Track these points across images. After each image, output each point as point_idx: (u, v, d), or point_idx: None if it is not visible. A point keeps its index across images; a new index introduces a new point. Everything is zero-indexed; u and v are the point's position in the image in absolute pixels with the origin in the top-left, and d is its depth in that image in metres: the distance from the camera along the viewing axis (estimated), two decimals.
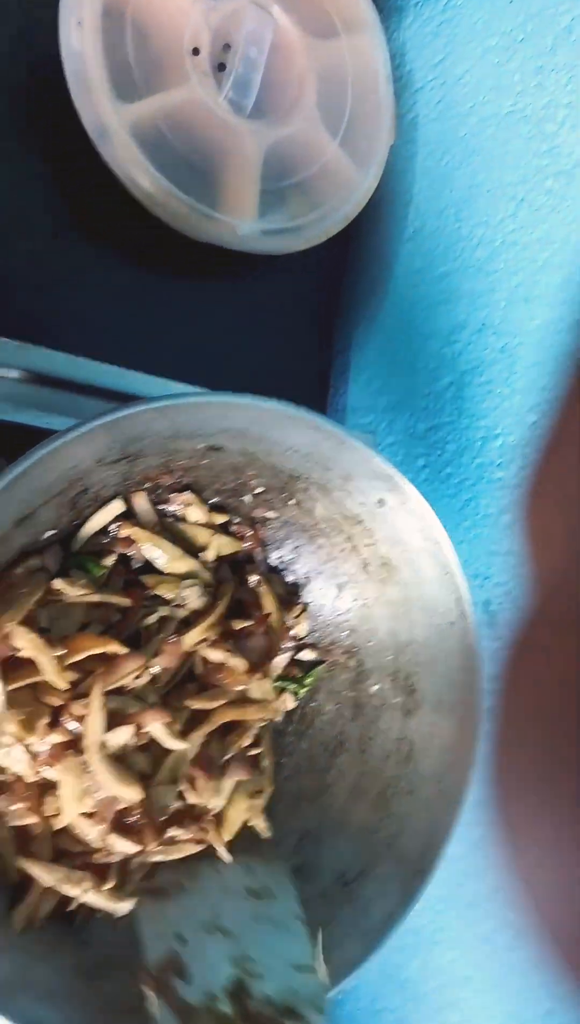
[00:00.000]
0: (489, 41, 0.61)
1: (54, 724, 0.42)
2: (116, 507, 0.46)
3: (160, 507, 0.49)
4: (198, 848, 0.49)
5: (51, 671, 0.41)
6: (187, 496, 0.49)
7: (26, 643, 0.41)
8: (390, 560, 0.50)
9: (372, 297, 0.71)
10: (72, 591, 0.44)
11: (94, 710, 0.42)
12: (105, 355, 0.56)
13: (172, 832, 0.47)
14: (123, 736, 0.43)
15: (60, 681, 0.42)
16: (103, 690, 0.42)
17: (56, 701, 0.42)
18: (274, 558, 0.54)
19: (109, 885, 0.45)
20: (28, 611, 0.42)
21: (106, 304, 0.60)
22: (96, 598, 0.45)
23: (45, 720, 0.42)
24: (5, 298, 0.56)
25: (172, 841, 0.48)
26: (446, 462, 0.64)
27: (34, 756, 0.41)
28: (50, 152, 0.58)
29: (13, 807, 0.42)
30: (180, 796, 0.48)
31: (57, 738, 0.42)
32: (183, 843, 0.49)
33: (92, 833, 0.44)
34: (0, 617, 0.40)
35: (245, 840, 0.52)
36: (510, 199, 0.59)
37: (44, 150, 0.58)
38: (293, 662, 0.54)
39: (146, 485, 0.48)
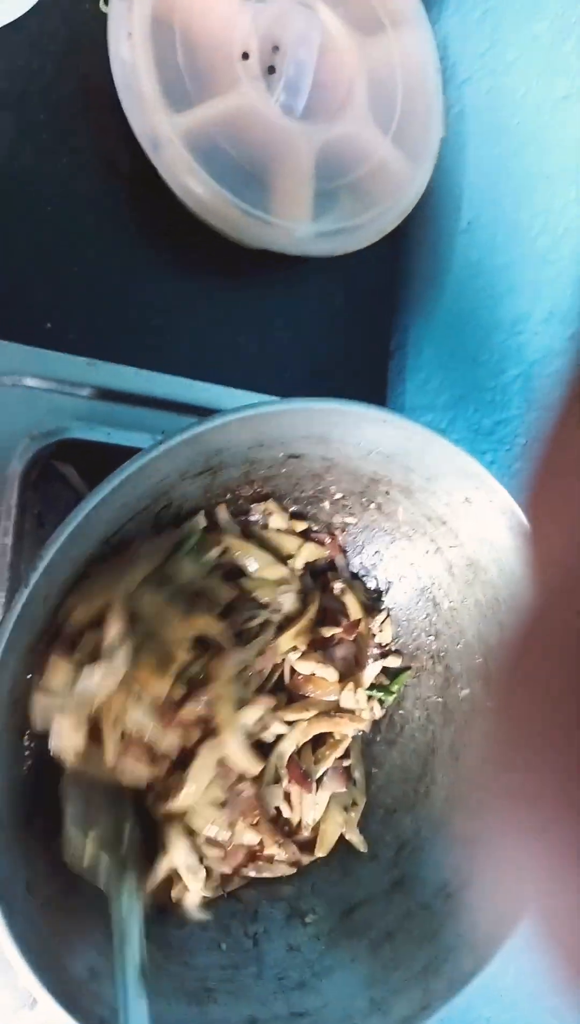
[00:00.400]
0: (538, 25, 0.60)
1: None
2: (200, 522, 0.45)
3: (241, 517, 0.48)
4: (290, 871, 0.48)
5: (176, 631, 0.41)
6: (269, 505, 0.48)
7: (148, 603, 0.40)
8: (477, 560, 0.49)
9: (427, 293, 0.70)
10: (186, 570, 0.43)
11: (224, 680, 0.41)
12: (167, 367, 0.56)
13: (270, 851, 0.46)
14: (254, 714, 0.43)
15: (180, 651, 0.41)
16: (232, 671, 0.42)
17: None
18: (355, 564, 0.53)
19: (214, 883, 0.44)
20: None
21: (164, 316, 0.60)
22: (205, 582, 0.44)
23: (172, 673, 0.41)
24: (68, 315, 0.55)
25: (270, 859, 0.47)
26: (516, 456, 0.63)
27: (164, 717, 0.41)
28: (103, 166, 0.58)
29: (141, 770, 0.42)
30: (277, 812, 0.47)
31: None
32: (278, 863, 0.48)
33: (216, 818, 0.43)
34: (131, 571, 0.40)
35: (342, 855, 0.51)
36: (571, 184, 0.57)
37: (97, 165, 0.57)
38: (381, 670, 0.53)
39: (227, 496, 0.47)
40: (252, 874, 0.48)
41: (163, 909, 0.45)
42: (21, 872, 0.37)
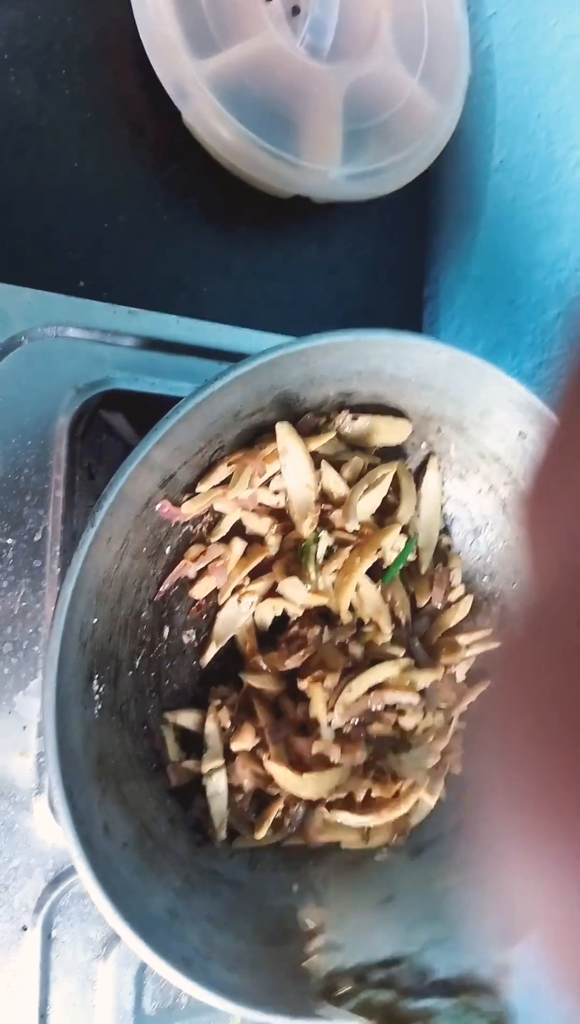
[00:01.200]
0: None
1: None
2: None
3: None
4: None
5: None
6: None
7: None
8: None
9: (460, 238, 0.69)
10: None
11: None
12: (202, 316, 0.55)
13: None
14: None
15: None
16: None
17: None
18: None
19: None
20: None
21: (196, 267, 0.59)
22: None
23: None
24: (101, 271, 0.55)
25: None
26: (559, 398, 0.62)
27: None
28: (128, 119, 0.57)
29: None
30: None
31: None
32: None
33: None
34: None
35: None
36: None
37: (122, 117, 0.57)
38: None
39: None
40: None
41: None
42: (97, 815, 0.37)
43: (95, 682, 0.40)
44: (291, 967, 0.42)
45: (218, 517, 0.45)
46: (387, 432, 0.47)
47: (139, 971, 0.50)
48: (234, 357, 0.51)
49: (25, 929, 0.46)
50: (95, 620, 0.38)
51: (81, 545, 0.35)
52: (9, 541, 0.45)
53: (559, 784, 0.12)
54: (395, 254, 0.68)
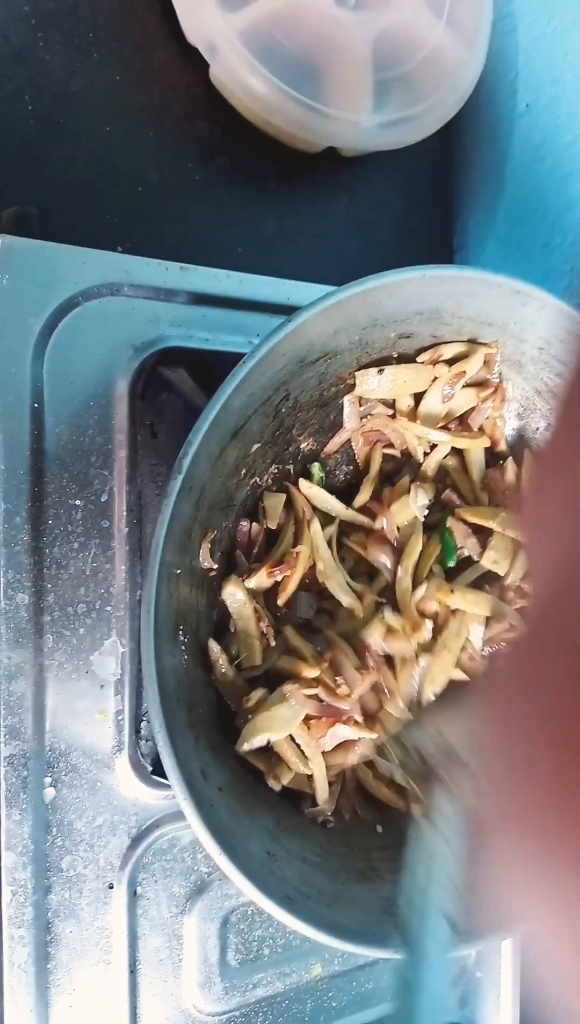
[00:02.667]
0: None
1: None
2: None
3: None
4: None
5: None
6: None
7: None
8: None
9: (488, 184, 0.69)
10: None
11: None
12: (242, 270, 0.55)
13: None
14: None
15: None
16: None
17: None
18: None
19: None
20: None
21: (229, 225, 0.59)
22: None
23: None
24: (139, 233, 0.55)
25: None
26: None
27: None
28: (157, 79, 0.56)
29: None
30: None
31: None
32: None
33: None
34: None
35: None
36: None
37: (151, 78, 0.56)
38: None
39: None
40: None
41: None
42: (194, 759, 0.37)
43: (180, 632, 0.40)
44: (385, 905, 0.43)
45: None
46: (413, 381, 0.47)
47: (222, 925, 0.51)
48: (284, 310, 0.51)
49: (112, 887, 0.47)
50: (178, 571, 0.39)
51: (169, 492, 0.35)
52: (77, 502, 0.45)
53: (561, 786, 0.12)
54: (424, 203, 0.68)
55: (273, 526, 0.45)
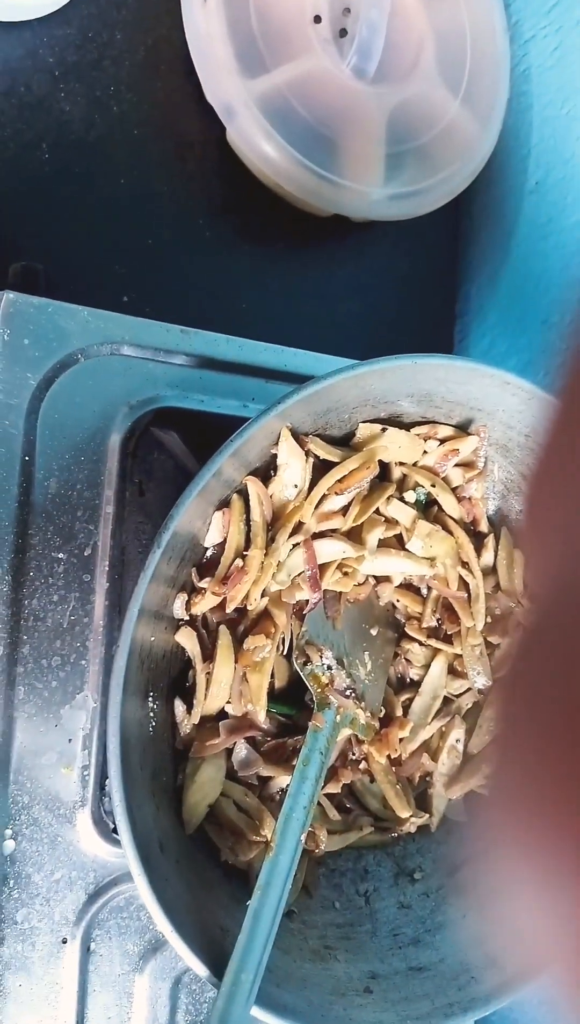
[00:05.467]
0: None
1: None
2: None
3: None
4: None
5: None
6: None
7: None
8: None
9: (493, 256, 0.70)
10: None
11: None
12: (244, 335, 0.56)
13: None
14: None
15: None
16: None
17: None
18: None
19: None
20: None
21: (236, 286, 0.60)
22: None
23: None
24: (145, 286, 0.56)
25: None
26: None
27: None
28: (175, 136, 0.57)
29: None
30: None
31: None
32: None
33: None
34: None
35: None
36: None
37: (169, 135, 0.57)
38: None
39: None
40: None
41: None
42: (154, 831, 0.38)
43: (150, 699, 0.40)
44: (336, 984, 0.42)
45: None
46: (407, 449, 0.47)
47: (174, 985, 0.50)
48: (281, 376, 0.52)
49: (65, 942, 0.46)
50: (152, 639, 0.39)
51: (148, 565, 0.35)
52: (60, 555, 0.45)
53: (564, 797, 0.11)
54: (428, 272, 0.69)
55: (218, 540, 0.43)
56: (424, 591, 0.50)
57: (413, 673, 0.50)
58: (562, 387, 0.15)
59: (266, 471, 0.43)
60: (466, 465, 0.48)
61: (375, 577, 0.48)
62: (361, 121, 0.58)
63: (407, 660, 0.50)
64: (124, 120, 0.56)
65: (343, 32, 0.57)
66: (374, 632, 0.49)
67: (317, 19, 0.56)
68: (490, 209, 0.69)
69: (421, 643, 0.49)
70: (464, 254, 0.71)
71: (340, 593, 0.46)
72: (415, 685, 0.50)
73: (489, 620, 0.49)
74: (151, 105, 0.57)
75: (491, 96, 0.62)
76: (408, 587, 0.50)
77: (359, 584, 0.47)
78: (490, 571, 0.50)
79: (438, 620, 0.49)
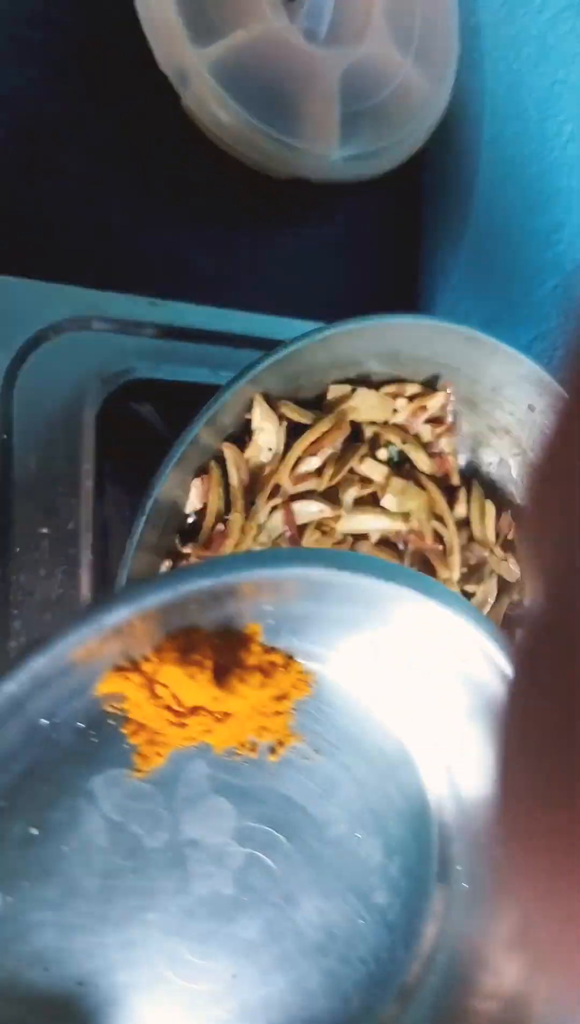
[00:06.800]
0: None
1: None
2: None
3: None
4: None
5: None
6: None
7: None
8: None
9: (454, 212, 0.70)
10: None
11: None
12: (210, 302, 0.56)
13: None
14: None
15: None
16: None
17: None
18: None
19: None
20: None
21: (201, 253, 0.60)
22: None
23: None
24: (108, 259, 0.56)
25: None
26: (555, 369, 0.64)
27: None
28: (130, 107, 0.57)
29: None
30: None
31: None
32: None
33: None
34: None
35: None
36: None
37: (123, 106, 0.57)
38: None
39: None
40: None
41: None
42: None
43: None
44: None
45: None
46: (378, 408, 0.48)
47: None
48: (250, 342, 0.53)
49: None
50: None
51: (133, 533, 0.36)
52: (44, 530, 0.46)
53: (564, 802, 0.11)
54: (391, 231, 0.70)
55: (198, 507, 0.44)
56: (401, 546, 0.51)
57: None
58: (568, 382, 0.14)
59: (241, 436, 0.44)
60: (435, 421, 0.49)
61: (353, 536, 0.50)
62: (314, 83, 0.58)
63: None
64: (76, 92, 0.56)
65: None
66: None
67: None
68: (448, 166, 0.70)
69: None
70: (425, 212, 0.72)
71: None
72: None
73: (465, 570, 0.51)
74: (103, 77, 0.57)
75: (442, 53, 0.62)
76: (385, 543, 0.51)
77: (338, 543, 0.49)
78: (463, 523, 0.51)
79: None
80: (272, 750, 0.34)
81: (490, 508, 0.51)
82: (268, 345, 0.50)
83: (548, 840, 0.12)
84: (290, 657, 0.31)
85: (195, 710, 0.29)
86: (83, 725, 0.30)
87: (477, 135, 0.67)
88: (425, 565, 0.51)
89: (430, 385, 0.48)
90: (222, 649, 0.29)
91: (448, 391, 0.48)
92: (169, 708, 0.29)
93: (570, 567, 0.13)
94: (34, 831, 0.30)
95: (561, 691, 0.12)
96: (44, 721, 0.28)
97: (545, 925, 0.12)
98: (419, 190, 0.71)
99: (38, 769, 0.29)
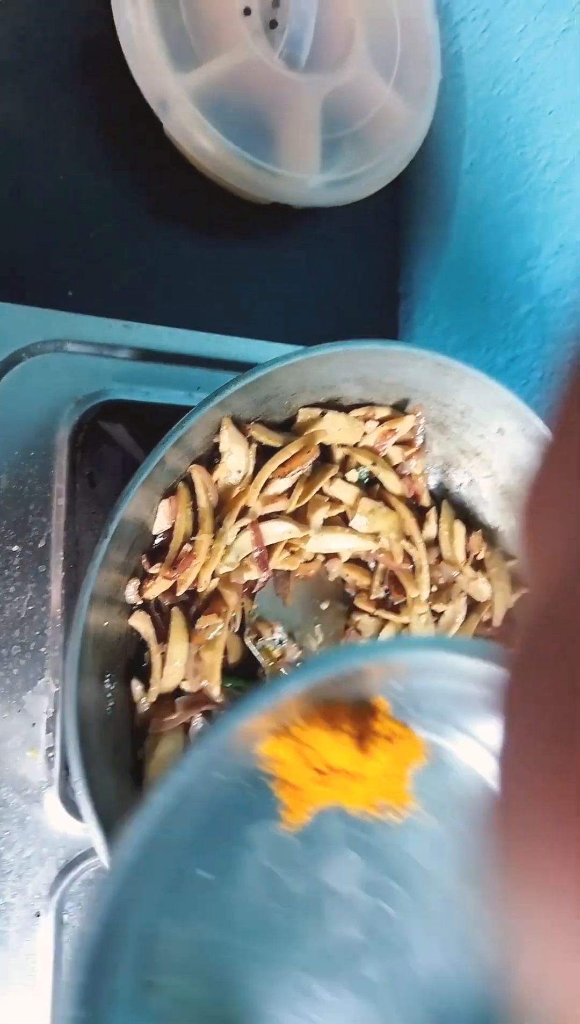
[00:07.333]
0: None
1: None
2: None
3: None
4: None
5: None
6: None
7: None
8: (511, 488, 0.51)
9: (433, 237, 0.71)
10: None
11: None
12: (190, 325, 0.57)
13: None
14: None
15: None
16: None
17: None
18: None
19: None
20: None
21: (181, 276, 0.61)
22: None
23: None
24: (88, 282, 0.57)
25: None
26: (533, 391, 0.65)
27: None
28: (112, 131, 0.58)
29: None
30: None
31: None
32: None
33: None
34: None
35: None
36: (575, 116, 0.59)
37: (106, 130, 0.58)
38: None
39: None
40: None
41: None
42: (115, 805, 0.39)
43: (107, 681, 0.42)
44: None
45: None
46: (347, 431, 0.49)
47: None
48: (226, 365, 0.53)
49: (39, 915, 0.48)
50: (106, 624, 0.41)
51: (96, 554, 0.37)
52: (15, 548, 0.46)
53: (565, 806, 0.11)
54: (372, 254, 0.71)
55: (166, 527, 0.45)
56: (372, 565, 0.52)
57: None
58: (565, 392, 0.14)
59: (211, 458, 0.45)
60: (405, 443, 0.50)
61: (324, 554, 0.50)
62: (295, 110, 0.59)
63: (358, 631, 0.52)
64: (61, 117, 0.57)
65: (273, 23, 0.58)
66: (325, 606, 0.51)
67: (247, 11, 0.56)
68: (429, 190, 0.71)
69: (370, 614, 0.51)
70: (405, 235, 0.73)
71: (289, 571, 0.48)
72: None
73: (434, 589, 0.52)
74: (88, 101, 0.58)
75: (422, 80, 0.63)
76: (356, 562, 0.52)
77: (308, 562, 0.49)
78: (433, 543, 0.52)
79: (386, 592, 0.52)
80: (394, 810, 0.36)
81: (459, 528, 0.51)
82: (243, 367, 0.51)
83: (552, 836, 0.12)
84: (408, 728, 0.34)
85: (336, 771, 0.33)
86: (246, 783, 0.33)
87: (458, 160, 0.68)
88: (395, 583, 0.51)
89: (400, 408, 0.49)
90: (357, 718, 0.33)
91: (417, 415, 0.49)
92: (315, 769, 0.33)
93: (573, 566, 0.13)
94: (208, 875, 0.34)
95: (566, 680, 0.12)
96: (222, 777, 0.32)
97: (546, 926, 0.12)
98: (400, 213, 0.72)
99: (213, 821, 0.33)
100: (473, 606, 0.52)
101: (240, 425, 0.44)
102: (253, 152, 0.57)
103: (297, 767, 0.33)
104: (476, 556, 0.52)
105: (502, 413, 0.47)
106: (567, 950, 0.11)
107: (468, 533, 0.52)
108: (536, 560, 0.14)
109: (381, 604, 0.52)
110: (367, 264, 0.71)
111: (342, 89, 0.60)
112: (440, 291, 0.71)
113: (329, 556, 0.51)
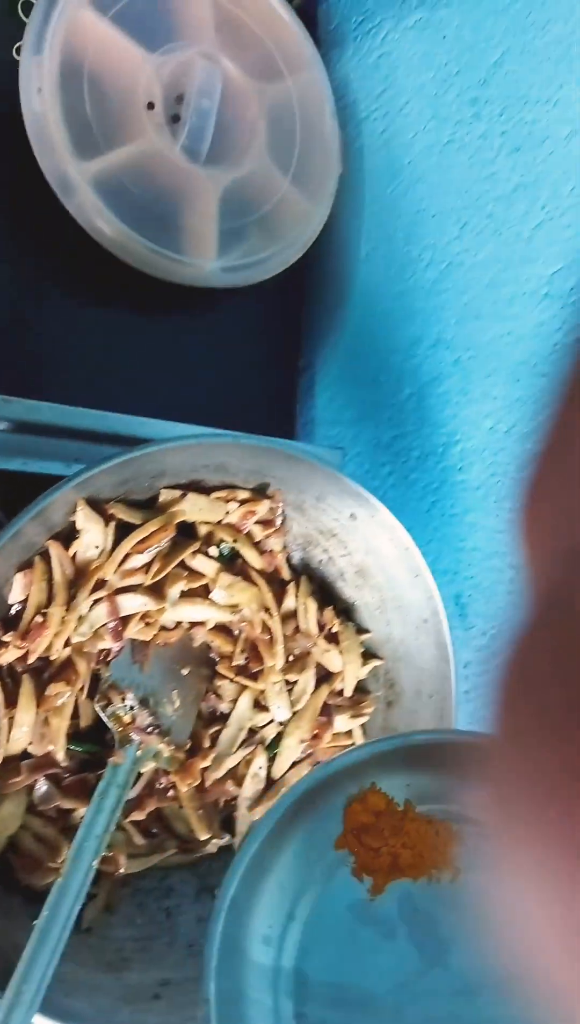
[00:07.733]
0: (426, 74, 0.66)
1: None
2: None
3: None
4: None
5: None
6: None
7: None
8: (365, 567, 0.55)
9: (332, 318, 0.76)
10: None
11: None
12: (81, 400, 0.60)
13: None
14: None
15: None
16: None
17: None
18: None
19: None
20: None
21: (78, 350, 0.64)
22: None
23: None
24: (2, 359, 0.60)
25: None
26: (411, 468, 0.69)
27: None
28: (15, 207, 0.61)
29: None
30: None
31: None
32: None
33: None
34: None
35: None
36: (455, 223, 0.63)
37: (8, 206, 0.61)
38: None
39: None
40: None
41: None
42: None
43: None
44: (126, 991, 0.47)
45: None
46: (208, 511, 0.52)
47: None
48: (109, 439, 0.56)
49: None
50: None
51: None
52: None
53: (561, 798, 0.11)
54: (273, 331, 0.75)
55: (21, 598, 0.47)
56: (236, 632, 0.55)
57: (223, 707, 0.55)
58: (563, 391, 0.14)
59: (71, 531, 0.48)
60: (265, 523, 0.54)
61: (190, 623, 0.54)
62: (194, 199, 0.63)
63: (217, 695, 0.55)
64: None
65: (176, 117, 0.62)
66: (185, 672, 0.54)
67: (150, 105, 0.60)
68: (329, 274, 0.75)
69: (230, 679, 0.55)
70: (308, 313, 0.77)
71: (146, 640, 0.51)
72: (225, 718, 0.55)
73: (290, 659, 0.55)
74: None
75: (321, 175, 0.68)
76: (222, 629, 0.55)
77: (170, 630, 0.52)
78: (292, 615, 0.55)
79: (246, 659, 0.55)
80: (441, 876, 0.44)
81: (312, 603, 0.55)
82: (127, 441, 0.54)
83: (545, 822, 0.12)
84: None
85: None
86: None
87: (355, 249, 0.73)
88: (254, 652, 0.55)
89: (261, 491, 0.53)
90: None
91: (277, 499, 0.52)
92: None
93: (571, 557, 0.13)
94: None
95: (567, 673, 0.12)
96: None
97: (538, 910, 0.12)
98: (304, 290, 0.76)
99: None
100: (325, 676, 0.56)
101: (99, 504, 0.47)
102: (151, 238, 0.60)
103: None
104: (330, 629, 0.56)
105: (352, 501, 0.51)
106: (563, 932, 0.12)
107: (325, 607, 0.56)
108: (534, 559, 0.14)
109: (241, 671, 0.55)
110: (269, 340, 0.75)
111: (242, 181, 0.64)
112: (338, 368, 0.76)
113: (195, 623, 0.54)
